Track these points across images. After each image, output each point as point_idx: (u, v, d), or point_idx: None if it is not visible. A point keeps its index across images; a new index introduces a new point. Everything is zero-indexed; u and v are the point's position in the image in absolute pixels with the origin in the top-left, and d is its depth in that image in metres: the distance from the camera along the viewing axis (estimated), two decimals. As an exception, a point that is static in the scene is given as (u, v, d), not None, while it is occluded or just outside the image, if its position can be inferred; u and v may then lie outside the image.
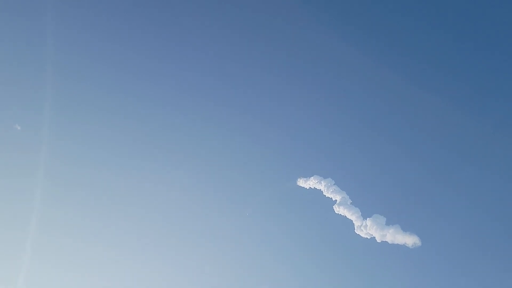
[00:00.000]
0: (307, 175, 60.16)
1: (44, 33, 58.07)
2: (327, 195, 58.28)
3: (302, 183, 60.36)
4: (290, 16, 64.77)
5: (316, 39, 63.92)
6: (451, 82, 58.55)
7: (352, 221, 54.82)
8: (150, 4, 65.79)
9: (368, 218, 53.71)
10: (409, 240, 51.06)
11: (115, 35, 64.46)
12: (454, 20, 59.17)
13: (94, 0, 63.82)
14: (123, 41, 64.62)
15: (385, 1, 62.58)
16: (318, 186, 59.32)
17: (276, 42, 65.18)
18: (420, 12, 60.49)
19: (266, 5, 65.27)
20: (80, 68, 62.37)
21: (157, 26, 65.82)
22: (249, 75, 66.23)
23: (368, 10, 62.55)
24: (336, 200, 57.36)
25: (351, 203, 56.53)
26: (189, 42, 66.45)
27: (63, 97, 61.18)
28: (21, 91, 60.01)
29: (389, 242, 51.37)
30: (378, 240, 51.80)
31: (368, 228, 52.78)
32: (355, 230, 53.60)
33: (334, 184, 59.01)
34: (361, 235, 53.07)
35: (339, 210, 56.05)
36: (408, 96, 60.03)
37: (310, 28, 64.26)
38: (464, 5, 58.97)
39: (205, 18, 65.89)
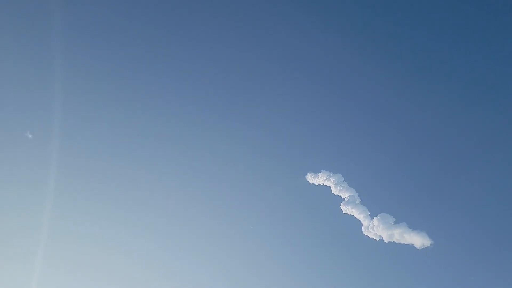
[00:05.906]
0: (316, 171, 60.10)
1: (53, 39, 58.17)
2: (336, 193, 58.11)
3: (311, 178, 60.15)
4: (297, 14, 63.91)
5: (326, 34, 62.95)
6: (462, 77, 57.38)
7: (360, 220, 54.73)
8: (160, 4, 65.22)
9: (375, 217, 53.39)
10: (418, 239, 50.67)
11: (125, 40, 64.08)
12: (463, 17, 57.33)
13: (102, 5, 63.18)
14: (134, 46, 64.03)
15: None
16: (327, 183, 59.05)
17: (284, 38, 64.34)
18: (427, 11, 58.91)
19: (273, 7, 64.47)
20: (90, 74, 62.39)
21: (166, 27, 65.34)
22: (256, 70, 65.70)
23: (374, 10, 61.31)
24: (344, 198, 57.15)
25: (359, 202, 56.30)
26: (199, 42, 65.95)
27: (74, 104, 61.68)
28: (31, 99, 60.76)
29: (396, 242, 51.13)
30: (386, 241, 51.59)
31: (376, 228, 52.44)
32: (363, 231, 53.48)
33: (343, 181, 58.70)
34: (369, 236, 52.91)
35: (347, 209, 55.88)
36: (418, 92, 58.88)
37: (319, 26, 63.16)
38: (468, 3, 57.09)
39: (213, 20, 65.25)
